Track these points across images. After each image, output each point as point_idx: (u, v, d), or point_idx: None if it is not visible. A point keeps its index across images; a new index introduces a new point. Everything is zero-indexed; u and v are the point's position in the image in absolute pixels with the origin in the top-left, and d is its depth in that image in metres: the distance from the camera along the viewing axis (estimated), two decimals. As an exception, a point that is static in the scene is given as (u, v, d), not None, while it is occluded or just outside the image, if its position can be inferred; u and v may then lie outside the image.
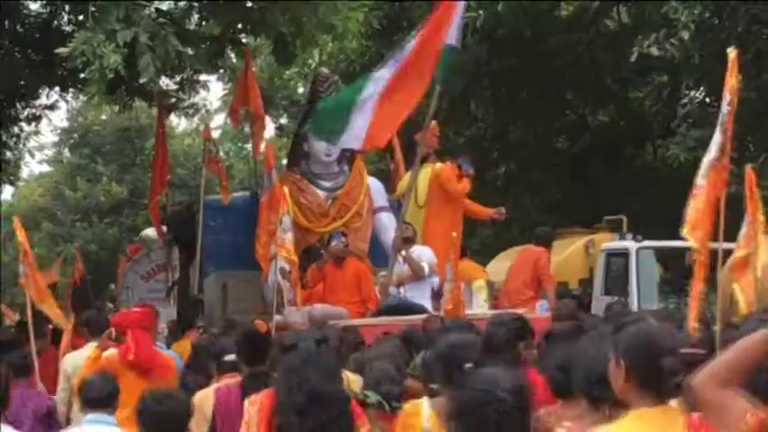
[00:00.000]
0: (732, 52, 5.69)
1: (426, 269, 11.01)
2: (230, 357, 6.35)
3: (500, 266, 13.88)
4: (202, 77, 18.47)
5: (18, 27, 14.60)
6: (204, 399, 6.07)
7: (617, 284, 13.76)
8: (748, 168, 7.10)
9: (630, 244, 13.82)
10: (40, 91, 16.77)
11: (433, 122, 12.03)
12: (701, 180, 4.91)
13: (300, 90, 35.52)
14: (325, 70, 14.13)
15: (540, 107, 19.96)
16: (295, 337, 5.68)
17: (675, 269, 14.27)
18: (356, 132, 10.74)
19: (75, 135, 40.14)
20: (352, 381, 5.40)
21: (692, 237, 5.02)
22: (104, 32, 9.94)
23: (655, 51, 14.20)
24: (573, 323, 6.59)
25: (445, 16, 10.73)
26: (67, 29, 13.25)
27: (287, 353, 5.06)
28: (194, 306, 12.40)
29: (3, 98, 15.26)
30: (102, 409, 5.74)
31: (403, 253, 11.06)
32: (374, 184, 12.88)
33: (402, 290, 11.12)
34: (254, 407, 4.78)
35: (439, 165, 12.05)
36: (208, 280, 12.97)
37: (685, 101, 15.73)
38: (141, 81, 10.70)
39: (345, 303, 10.84)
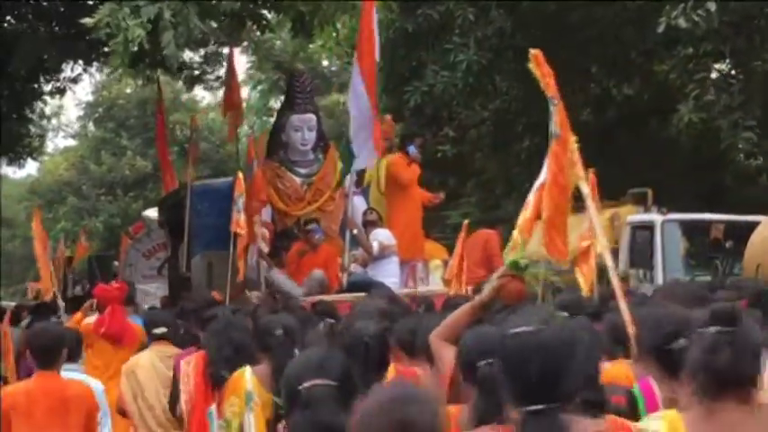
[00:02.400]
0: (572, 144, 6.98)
1: (376, 248, 11.85)
2: (159, 330, 7.42)
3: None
4: (226, 50, 18.54)
5: (42, 1, 14.66)
6: (134, 365, 7.25)
7: (642, 257, 13.72)
8: (590, 173, 7.88)
9: (656, 217, 13.78)
10: (65, 65, 16.84)
11: (388, 116, 13.94)
12: (531, 197, 6.24)
13: (325, 63, 35.35)
14: (301, 67, 14.94)
15: (564, 80, 19.76)
16: (214, 310, 7.01)
17: (701, 242, 14.22)
18: (366, 151, 11.88)
19: (100, 109, 40.27)
20: None
21: (521, 239, 6.22)
22: (129, 7, 9.99)
23: (682, 23, 14.07)
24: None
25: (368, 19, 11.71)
26: (91, 2, 13.27)
27: (209, 323, 6.31)
28: (182, 283, 13.13)
29: (26, 73, 15.33)
30: (70, 361, 6.90)
31: (354, 231, 11.92)
32: None
33: (368, 269, 12.00)
34: (189, 365, 6.13)
35: (392, 156, 13.13)
36: (195, 259, 13.78)
37: (713, 75, 15.63)
38: (164, 54, 10.77)
39: None
